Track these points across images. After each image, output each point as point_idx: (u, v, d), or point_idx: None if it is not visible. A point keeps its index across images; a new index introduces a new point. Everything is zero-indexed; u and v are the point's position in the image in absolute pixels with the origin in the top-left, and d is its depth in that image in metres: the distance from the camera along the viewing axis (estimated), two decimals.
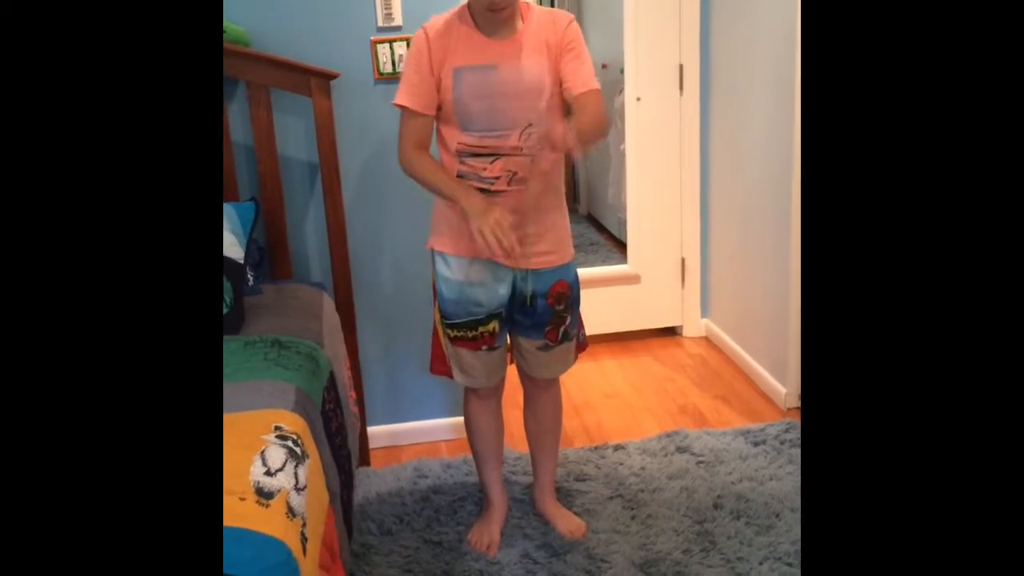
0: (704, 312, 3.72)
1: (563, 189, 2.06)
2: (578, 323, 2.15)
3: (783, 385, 2.95)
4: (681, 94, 3.46)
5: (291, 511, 1.36)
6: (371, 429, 2.78)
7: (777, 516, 2.23)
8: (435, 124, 1.96)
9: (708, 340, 3.68)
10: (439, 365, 2.14)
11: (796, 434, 2.67)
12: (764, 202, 3.03)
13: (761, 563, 2.04)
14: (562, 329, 2.08)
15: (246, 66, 2.36)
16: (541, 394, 2.22)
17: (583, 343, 2.20)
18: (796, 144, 2.73)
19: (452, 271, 1.99)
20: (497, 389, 2.19)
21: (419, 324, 2.76)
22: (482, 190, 1.89)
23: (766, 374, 3.09)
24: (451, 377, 2.12)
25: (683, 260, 3.64)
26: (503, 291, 1.99)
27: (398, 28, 2.51)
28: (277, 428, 1.55)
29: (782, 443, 2.62)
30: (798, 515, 2.22)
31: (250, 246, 2.34)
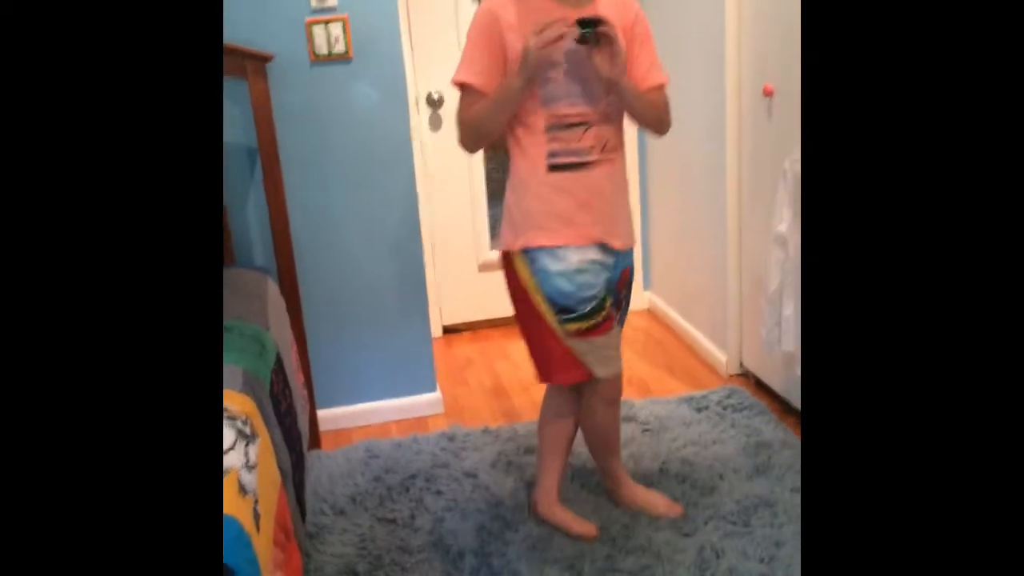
0: (646, 285, 3.79)
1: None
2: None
3: (724, 353, 3.04)
4: None
5: (242, 488, 1.37)
6: (321, 412, 2.79)
7: (721, 478, 2.30)
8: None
9: (650, 312, 3.75)
10: (567, 373, 1.97)
11: (737, 399, 2.75)
12: (700, 176, 3.10)
13: (706, 523, 2.10)
14: (618, 316, 2.06)
15: None
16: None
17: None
18: (728, 117, 2.80)
19: (565, 261, 1.88)
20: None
21: (366, 307, 2.77)
22: (576, 164, 1.86)
23: (707, 343, 3.17)
24: (590, 378, 1.97)
25: None
26: (608, 273, 1.95)
27: (332, 8, 2.50)
28: (225, 409, 1.55)
29: (724, 408, 2.70)
30: (740, 476, 2.30)
31: None
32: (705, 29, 2.91)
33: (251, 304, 2.18)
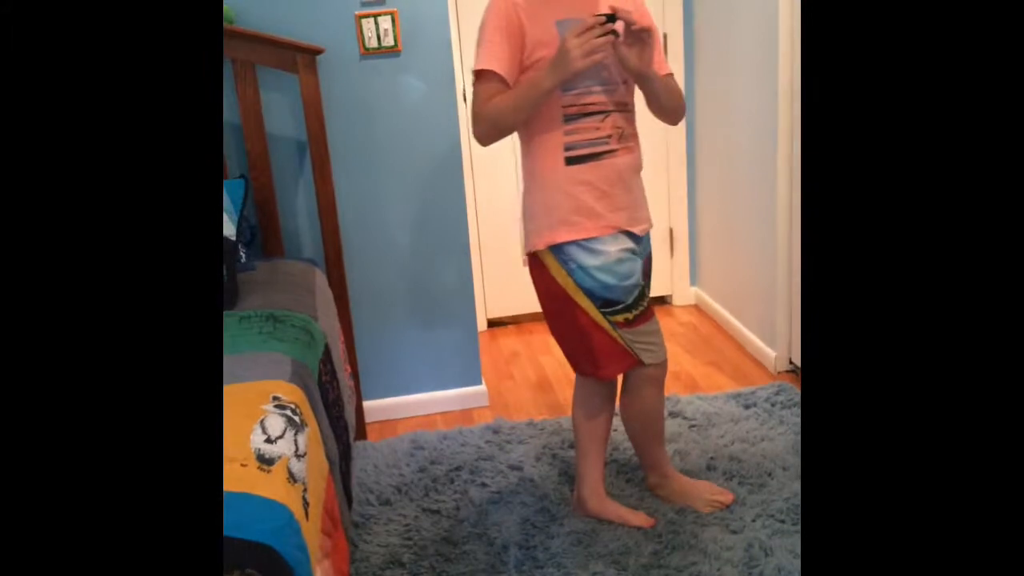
0: (693, 281, 3.75)
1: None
2: None
3: (772, 349, 2.99)
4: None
5: (292, 476, 1.38)
6: (367, 403, 2.81)
7: (769, 475, 2.27)
8: None
9: (698, 308, 3.71)
10: (616, 364, 1.97)
11: (786, 396, 2.71)
12: (749, 171, 3.05)
13: (754, 520, 2.08)
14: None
15: (231, 44, 2.36)
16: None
17: None
18: (781, 112, 2.75)
19: (603, 254, 1.88)
20: None
21: (413, 299, 2.79)
22: (594, 155, 1.85)
23: (755, 339, 3.13)
24: (638, 365, 1.97)
25: (671, 230, 3.67)
26: (640, 260, 1.97)
27: (382, 2, 2.51)
28: (275, 398, 1.57)
29: (773, 405, 2.66)
30: (790, 473, 2.26)
31: (241, 224, 2.35)
32: (758, 18, 2.86)
33: (300, 295, 2.21)
